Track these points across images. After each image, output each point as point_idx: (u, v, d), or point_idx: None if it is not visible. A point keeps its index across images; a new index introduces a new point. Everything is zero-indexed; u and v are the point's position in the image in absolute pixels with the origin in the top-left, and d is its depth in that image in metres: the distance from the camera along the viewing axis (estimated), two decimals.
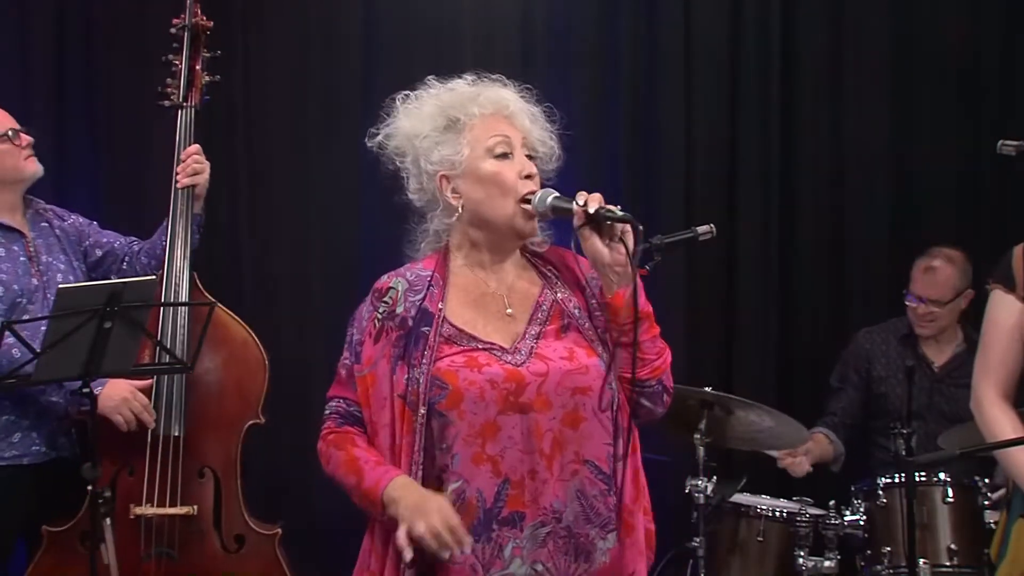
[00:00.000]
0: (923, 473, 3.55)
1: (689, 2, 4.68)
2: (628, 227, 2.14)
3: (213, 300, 3.35)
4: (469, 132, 2.28)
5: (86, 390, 2.93)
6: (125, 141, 3.95)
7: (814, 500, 3.88)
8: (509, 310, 2.26)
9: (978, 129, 4.73)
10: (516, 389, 2.14)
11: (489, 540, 2.13)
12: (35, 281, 3.36)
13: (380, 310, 2.27)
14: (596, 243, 2.16)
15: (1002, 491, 3.45)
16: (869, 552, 3.66)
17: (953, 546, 3.51)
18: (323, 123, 4.45)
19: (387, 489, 2.15)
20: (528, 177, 2.25)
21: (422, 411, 2.16)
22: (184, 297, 3.39)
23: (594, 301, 2.29)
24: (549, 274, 2.33)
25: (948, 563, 3.51)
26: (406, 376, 2.18)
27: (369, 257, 4.29)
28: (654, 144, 4.66)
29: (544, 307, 2.27)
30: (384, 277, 2.33)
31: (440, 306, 2.23)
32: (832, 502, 3.78)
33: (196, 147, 3.49)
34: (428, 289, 2.26)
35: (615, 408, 2.20)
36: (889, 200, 4.77)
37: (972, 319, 4.12)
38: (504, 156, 2.26)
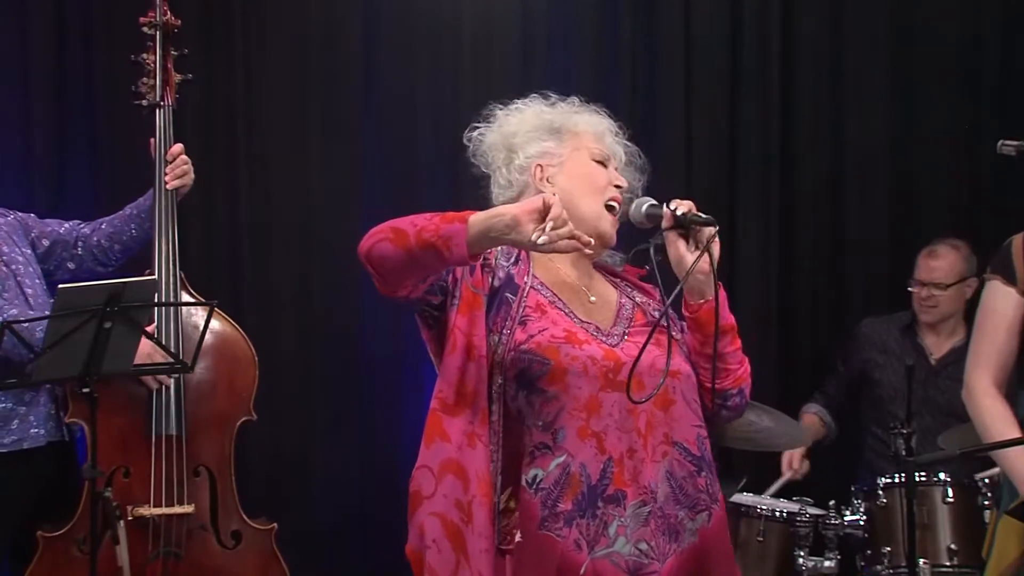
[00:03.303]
0: (923, 473, 3.55)
1: (689, 1, 4.68)
2: (716, 239, 2.19)
3: (203, 300, 3.35)
4: (573, 139, 2.36)
5: (86, 390, 2.94)
6: (125, 141, 3.94)
7: (814, 500, 3.89)
8: (593, 298, 2.30)
9: (978, 129, 4.73)
10: (614, 367, 2.16)
11: (594, 517, 2.12)
12: (4, 269, 3.35)
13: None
14: (680, 248, 2.22)
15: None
16: (869, 552, 3.67)
17: (953, 546, 3.51)
18: (323, 123, 4.45)
19: (475, 214, 2.08)
20: (617, 187, 2.32)
21: (499, 380, 2.17)
22: (175, 298, 3.39)
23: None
24: (621, 283, 2.39)
25: (948, 563, 3.51)
26: (488, 335, 2.19)
27: None
28: (654, 144, 4.65)
29: (627, 307, 2.32)
30: None
31: (526, 280, 2.26)
32: (832, 502, 3.78)
33: (180, 146, 3.49)
34: (516, 262, 2.29)
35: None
36: (889, 200, 4.77)
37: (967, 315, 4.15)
38: (602, 164, 2.34)
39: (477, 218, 2.06)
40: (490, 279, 2.23)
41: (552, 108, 2.41)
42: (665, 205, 2.23)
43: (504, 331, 2.18)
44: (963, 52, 4.78)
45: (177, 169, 3.46)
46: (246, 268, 4.37)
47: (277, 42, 4.45)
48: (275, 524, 3.47)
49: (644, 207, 2.28)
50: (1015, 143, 2.72)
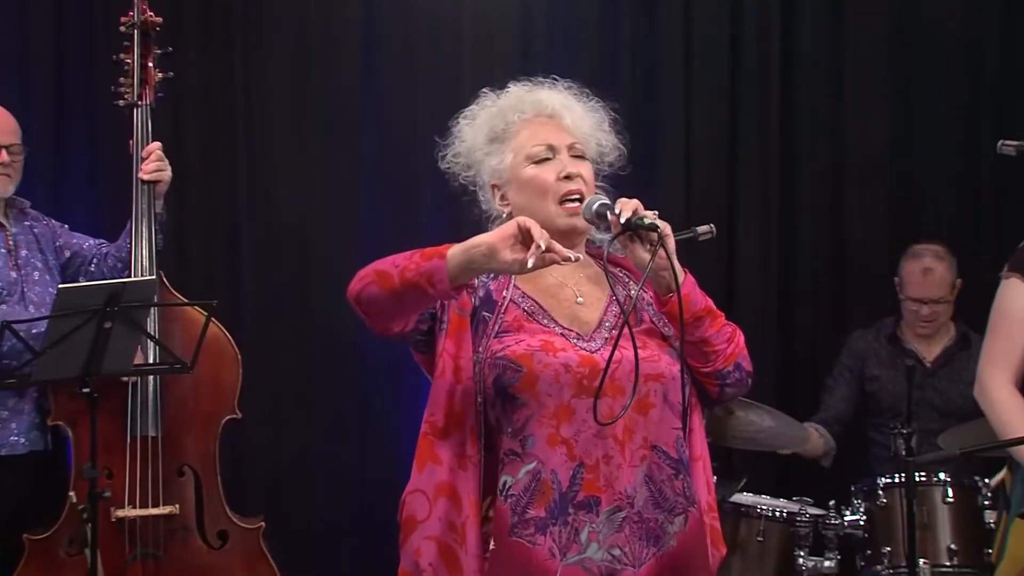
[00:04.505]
0: (923, 473, 3.55)
1: (689, 2, 4.68)
2: (669, 230, 2.15)
3: (185, 301, 3.35)
4: (513, 139, 2.33)
5: (86, 390, 2.94)
6: (124, 141, 3.93)
7: (814, 500, 3.89)
8: (579, 299, 2.28)
9: (978, 129, 4.73)
10: (590, 374, 2.14)
11: (566, 524, 2.12)
12: (13, 274, 3.36)
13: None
14: (636, 250, 2.17)
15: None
16: (869, 552, 3.67)
17: (953, 546, 3.51)
18: (323, 123, 4.45)
19: (452, 247, 2.09)
20: (568, 178, 2.27)
21: (479, 400, 2.16)
22: (152, 298, 3.38)
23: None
24: (620, 273, 2.35)
25: (948, 563, 3.51)
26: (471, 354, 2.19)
27: (369, 258, 4.28)
28: (654, 144, 4.65)
29: (617, 301, 2.28)
30: None
31: (505, 294, 2.25)
32: (832, 502, 3.78)
33: (157, 144, 3.50)
34: (495, 276, 2.27)
35: (688, 403, 2.23)
36: (889, 200, 4.78)
37: (965, 314, 4.16)
38: (544, 161, 2.29)
39: (455, 252, 2.08)
40: (472, 299, 2.23)
41: (497, 106, 2.37)
42: (609, 212, 2.18)
43: (480, 349, 2.18)
44: (963, 52, 4.78)
45: (150, 165, 3.46)
46: (246, 268, 4.38)
47: (277, 42, 4.45)
48: (262, 523, 3.46)
49: (594, 206, 2.23)
50: (1015, 143, 2.71)
